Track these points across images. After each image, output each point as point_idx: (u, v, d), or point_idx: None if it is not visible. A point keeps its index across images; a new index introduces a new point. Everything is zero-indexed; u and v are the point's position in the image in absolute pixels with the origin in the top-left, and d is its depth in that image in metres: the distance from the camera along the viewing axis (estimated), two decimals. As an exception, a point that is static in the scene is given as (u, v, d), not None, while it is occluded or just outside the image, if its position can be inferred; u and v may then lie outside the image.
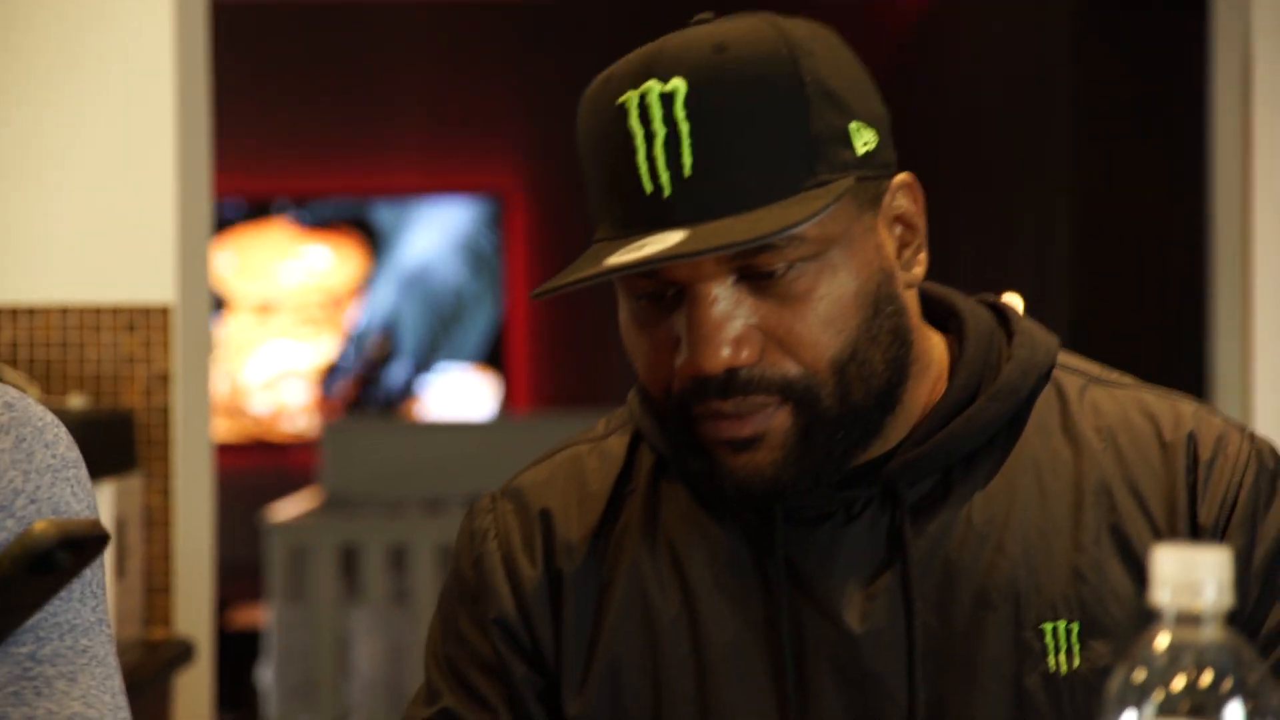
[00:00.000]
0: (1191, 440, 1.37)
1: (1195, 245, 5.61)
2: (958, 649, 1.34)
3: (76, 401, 3.08)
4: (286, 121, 8.75)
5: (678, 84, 1.26)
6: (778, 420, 1.29)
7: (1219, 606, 0.81)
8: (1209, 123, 5.63)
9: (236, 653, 5.90)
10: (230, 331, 8.92)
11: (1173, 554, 0.81)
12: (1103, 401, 1.42)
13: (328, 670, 5.32)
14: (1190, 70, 5.68)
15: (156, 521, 3.26)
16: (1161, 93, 5.73)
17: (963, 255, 7.68)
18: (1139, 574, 1.32)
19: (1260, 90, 3.87)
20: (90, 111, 3.09)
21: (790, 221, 1.23)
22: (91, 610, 1.30)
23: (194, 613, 3.33)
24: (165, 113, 3.08)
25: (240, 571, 6.02)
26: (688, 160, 1.25)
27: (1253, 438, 1.39)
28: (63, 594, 1.19)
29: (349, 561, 5.42)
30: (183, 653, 3.28)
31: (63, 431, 1.36)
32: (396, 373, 9.27)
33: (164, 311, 3.12)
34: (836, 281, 1.30)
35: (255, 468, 8.73)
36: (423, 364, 9.25)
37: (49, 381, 3.09)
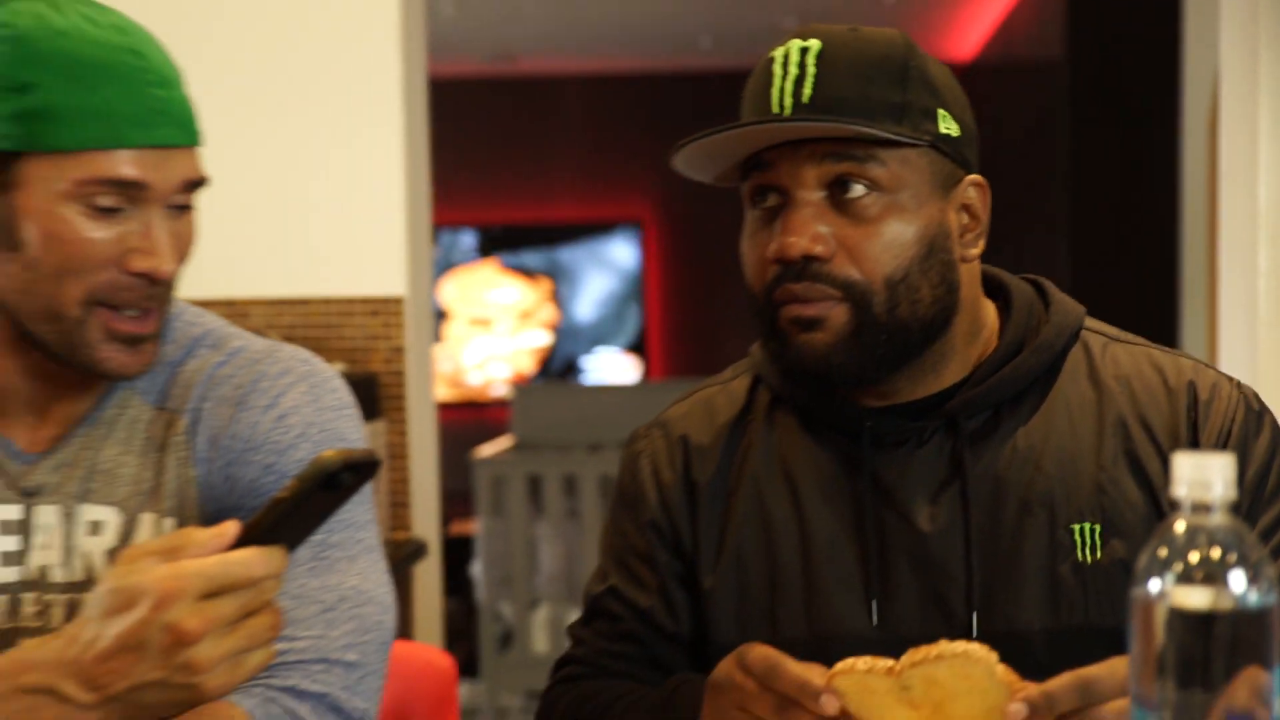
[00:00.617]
0: (1191, 387, 1.35)
1: (1170, 271, 5.51)
2: (1004, 545, 1.32)
3: (337, 367, 3.09)
4: (487, 167, 8.80)
5: (814, 43, 1.28)
6: (836, 312, 1.28)
7: (1225, 499, 0.81)
8: (1180, 161, 5.51)
9: (455, 553, 5.92)
10: (453, 332, 9.04)
11: (1189, 458, 0.81)
12: (1120, 356, 1.39)
13: (520, 566, 5.32)
14: (1166, 126, 5.56)
15: (397, 455, 3.27)
16: (1142, 137, 5.60)
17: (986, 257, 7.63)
18: (1148, 489, 1.32)
19: (1225, 130, 3.60)
20: (353, 166, 3.11)
21: (870, 131, 1.25)
22: (365, 512, 1.30)
23: (425, 522, 3.35)
24: (397, 163, 3.10)
25: (457, 494, 6.03)
26: (807, 91, 1.27)
27: (1239, 385, 1.37)
28: None
29: (533, 488, 5.42)
30: (418, 550, 3.30)
31: (341, 382, 1.39)
32: (569, 352, 9.36)
33: (398, 301, 3.12)
34: (901, 220, 1.29)
35: (468, 420, 8.77)
36: (586, 347, 9.33)
37: (317, 352, 3.11)
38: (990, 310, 1.41)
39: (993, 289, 1.43)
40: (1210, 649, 0.80)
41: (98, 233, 1.20)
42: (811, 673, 1.08)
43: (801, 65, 1.27)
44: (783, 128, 1.27)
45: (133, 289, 1.23)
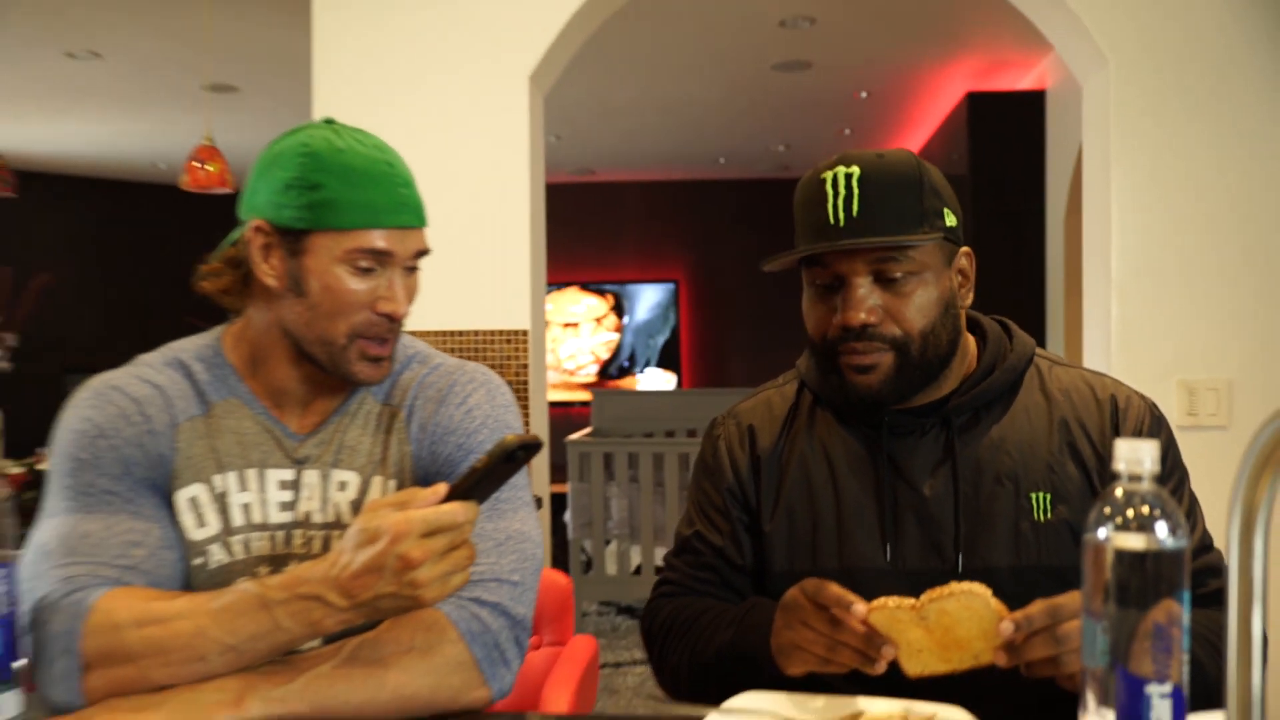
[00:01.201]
0: (1113, 398, 1.35)
1: (1040, 317, 5.51)
2: (982, 507, 1.30)
3: (482, 379, 3.11)
4: (576, 242, 8.85)
5: (855, 169, 1.26)
6: (885, 359, 1.27)
7: (1152, 471, 0.80)
8: (1046, 237, 5.50)
9: (554, 506, 5.91)
10: (551, 334, 9.16)
11: (1126, 443, 0.80)
12: (1062, 375, 1.38)
13: (597, 516, 5.30)
14: (1036, 215, 5.55)
15: (522, 437, 3.24)
16: (1020, 222, 5.59)
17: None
18: (1084, 470, 1.31)
19: (1087, 209, 3.55)
20: (498, 240, 3.11)
21: (904, 242, 1.24)
22: (523, 478, 1.29)
23: (540, 484, 3.32)
24: (524, 239, 3.09)
25: (556, 466, 6.04)
26: (855, 208, 1.25)
27: (1144, 398, 1.36)
28: None
29: (607, 462, 5.40)
30: (536, 503, 3.25)
31: (508, 389, 1.36)
32: (630, 346, 9.45)
33: (524, 333, 3.10)
34: (925, 289, 1.28)
35: (566, 415, 8.81)
36: (636, 363, 9.37)
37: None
38: (971, 341, 1.39)
39: (970, 325, 1.41)
40: (1142, 578, 0.78)
41: (358, 285, 1.22)
42: (849, 594, 1.07)
43: (848, 187, 1.25)
44: (848, 244, 1.24)
45: (379, 325, 1.24)
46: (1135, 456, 0.79)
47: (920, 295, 1.27)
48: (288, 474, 1.26)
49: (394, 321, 1.24)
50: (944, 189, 1.31)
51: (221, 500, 1.24)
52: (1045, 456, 1.31)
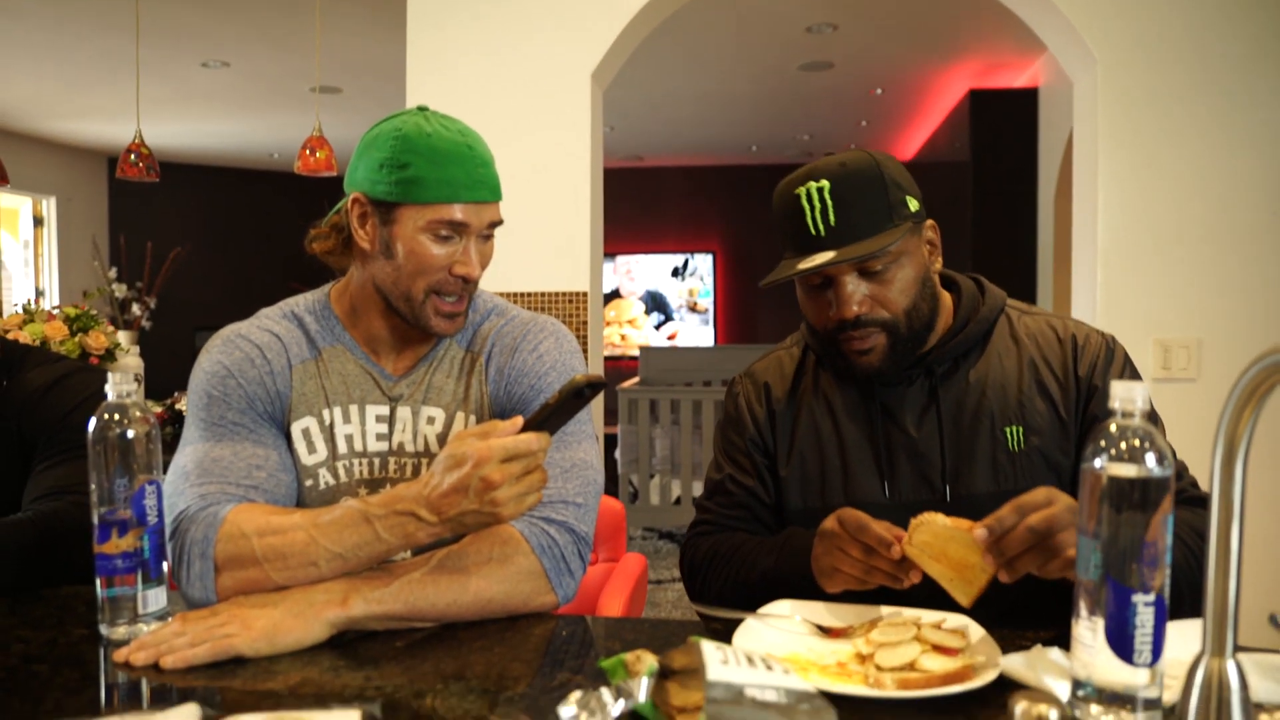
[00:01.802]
0: (1073, 337, 1.30)
1: (1031, 286, 5.41)
2: (964, 442, 1.27)
3: (547, 336, 3.09)
4: (628, 220, 8.80)
5: (824, 183, 1.21)
6: (878, 340, 1.24)
7: (1142, 409, 0.78)
8: (1038, 216, 5.40)
9: (606, 444, 5.92)
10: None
11: (1121, 385, 0.77)
12: (1030, 322, 1.34)
13: (643, 453, 5.31)
14: (1028, 198, 5.43)
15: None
16: (1015, 203, 5.48)
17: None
18: (1051, 403, 1.27)
19: (1077, 191, 3.49)
20: (564, 216, 3.10)
21: (884, 245, 1.19)
22: (587, 414, 1.26)
23: (596, 424, 3.32)
24: (585, 215, 3.07)
25: (610, 411, 6.05)
26: (832, 218, 1.21)
27: (1102, 334, 1.31)
28: None
29: (652, 408, 5.40)
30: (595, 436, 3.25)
31: (574, 338, 1.34)
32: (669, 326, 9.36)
33: (584, 294, 3.08)
34: (906, 273, 1.24)
35: (612, 368, 8.82)
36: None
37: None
38: (947, 298, 1.34)
39: (948, 283, 1.37)
40: (1131, 503, 0.76)
41: (438, 250, 1.20)
42: (887, 532, 1.04)
43: (822, 200, 1.20)
44: (831, 260, 1.19)
45: (454, 285, 1.22)
46: (1128, 395, 0.76)
47: (900, 278, 1.23)
48: (384, 410, 1.26)
49: (467, 282, 1.23)
50: (902, 178, 1.26)
51: (329, 431, 1.25)
52: (1016, 394, 1.27)
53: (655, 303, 9.29)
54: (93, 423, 1.06)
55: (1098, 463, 0.76)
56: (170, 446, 1.28)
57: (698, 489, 5.33)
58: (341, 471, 1.24)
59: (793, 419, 1.35)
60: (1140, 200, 2.81)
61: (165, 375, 6.15)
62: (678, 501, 5.42)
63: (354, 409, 1.26)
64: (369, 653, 1.02)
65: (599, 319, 3.29)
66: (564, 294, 3.10)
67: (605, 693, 0.78)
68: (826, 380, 1.35)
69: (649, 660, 0.83)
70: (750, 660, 0.77)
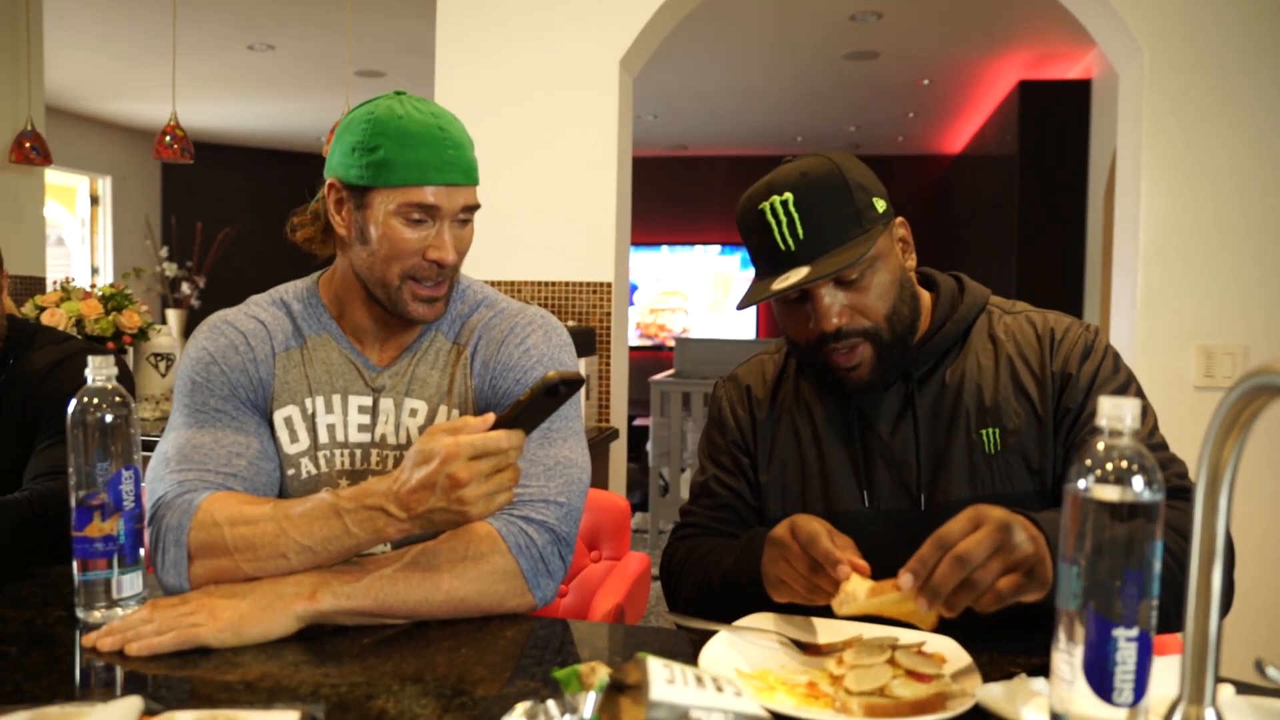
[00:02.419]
0: (1052, 331, 1.25)
1: (1078, 283, 5.27)
2: (940, 445, 1.23)
3: (571, 323, 3.05)
4: (671, 208, 8.76)
5: (787, 195, 1.16)
6: (863, 350, 1.19)
7: (1131, 427, 0.72)
8: (1087, 213, 5.27)
9: (638, 437, 5.90)
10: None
11: (1109, 400, 0.72)
12: (1009, 320, 1.28)
13: (675, 446, 5.28)
14: (1078, 192, 5.29)
15: (604, 378, 3.21)
16: (1063, 199, 5.34)
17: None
18: (1029, 402, 1.22)
19: (1119, 186, 3.40)
20: (590, 205, 3.07)
21: (856, 256, 1.14)
22: (575, 410, 1.24)
23: (618, 417, 3.30)
24: (611, 204, 3.04)
25: (642, 402, 6.02)
26: (800, 231, 1.15)
27: (1086, 326, 1.25)
28: None
29: (685, 400, 5.36)
30: (614, 434, 3.24)
31: (565, 330, 1.31)
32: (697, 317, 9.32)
33: (609, 285, 3.06)
34: (882, 277, 1.19)
35: (650, 357, 8.79)
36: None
37: (560, 315, 3.09)
38: (926, 297, 1.29)
39: (927, 282, 1.32)
40: (1116, 529, 0.70)
41: (411, 234, 1.18)
42: (837, 550, 0.98)
43: (788, 213, 1.15)
44: (807, 278, 1.13)
45: (428, 270, 1.20)
46: (1117, 413, 0.70)
47: (877, 284, 1.18)
48: (366, 400, 1.24)
49: (442, 268, 1.20)
50: (865, 178, 1.20)
51: (311, 420, 1.23)
52: (993, 395, 1.22)
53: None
54: (72, 405, 1.05)
55: (1081, 484, 0.70)
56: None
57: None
58: (323, 461, 1.23)
59: (774, 425, 1.31)
60: (1186, 198, 2.70)
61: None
62: (708, 494, 5.40)
63: (336, 399, 1.24)
64: (334, 649, 1.00)
65: (624, 308, 3.26)
66: (588, 284, 3.08)
67: (552, 705, 0.75)
68: (807, 387, 1.31)
69: (602, 673, 0.79)
70: (699, 680, 0.73)
